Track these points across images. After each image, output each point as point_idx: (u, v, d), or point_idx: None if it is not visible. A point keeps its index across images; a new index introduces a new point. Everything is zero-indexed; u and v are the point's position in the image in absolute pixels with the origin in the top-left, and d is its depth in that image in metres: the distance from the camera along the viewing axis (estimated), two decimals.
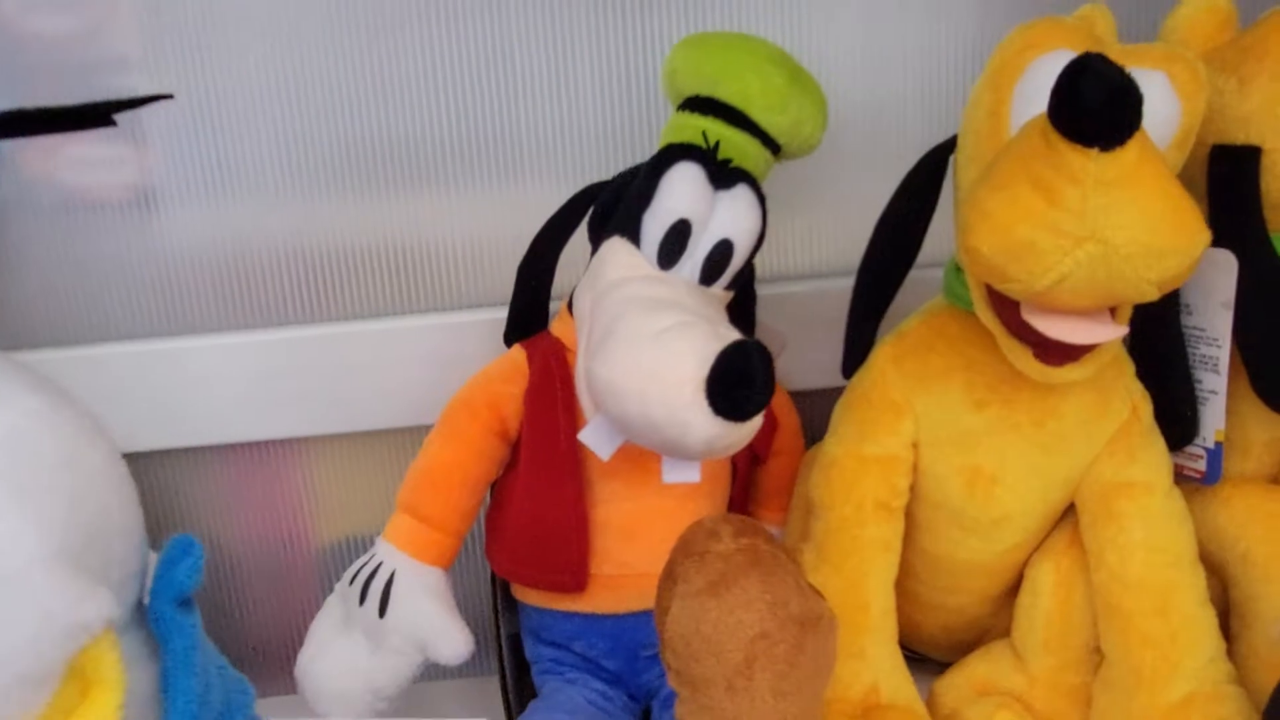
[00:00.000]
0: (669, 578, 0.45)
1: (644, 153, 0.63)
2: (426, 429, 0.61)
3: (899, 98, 0.69)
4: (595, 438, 0.53)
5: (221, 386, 0.68)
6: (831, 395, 0.61)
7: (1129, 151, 0.42)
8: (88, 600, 0.27)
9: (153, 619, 0.31)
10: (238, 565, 0.74)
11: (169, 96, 0.37)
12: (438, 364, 0.67)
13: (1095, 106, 0.42)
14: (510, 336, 0.62)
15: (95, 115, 0.35)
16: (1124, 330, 0.49)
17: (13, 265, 0.67)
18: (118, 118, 0.36)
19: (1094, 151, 0.42)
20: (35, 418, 0.28)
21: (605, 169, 0.67)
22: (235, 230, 0.68)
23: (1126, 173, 0.43)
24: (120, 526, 0.30)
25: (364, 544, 0.73)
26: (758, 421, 0.48)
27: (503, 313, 0.63)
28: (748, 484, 0.64)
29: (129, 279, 0.68)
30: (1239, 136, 0.54)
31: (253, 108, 0.66)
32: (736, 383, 0.46)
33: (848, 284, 0.61)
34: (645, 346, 0.48)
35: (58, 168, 0.66)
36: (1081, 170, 0.43)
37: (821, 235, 0.69)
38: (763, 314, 0.65)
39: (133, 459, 0.36)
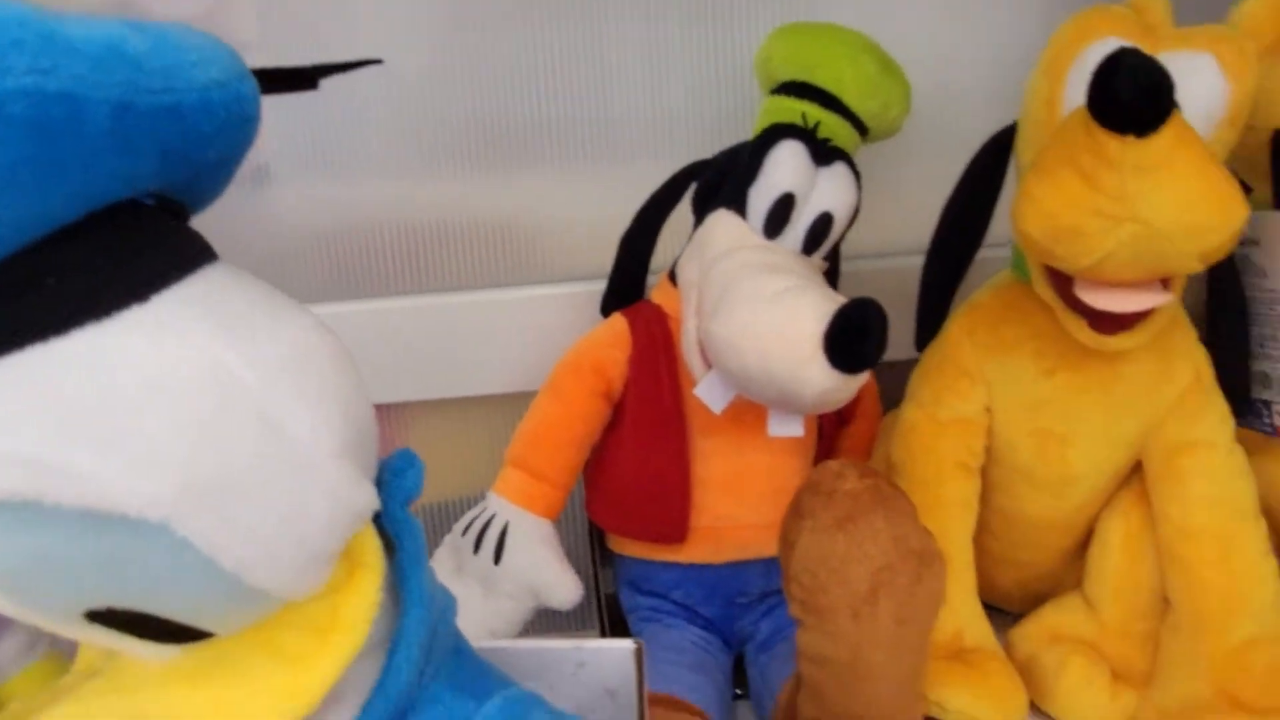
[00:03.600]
0: (796, 514, 0.47)
1: (729, 135, 0.66)
2: (524, 395, 0.63)
3: (967, 87, 0.73)
4: (710, 393, 0.56)
5: None
6: (901, 367, 0.64)
7: (1163, 137, 0.46)
8: (364, 489, 0.31)
9: (387, 519, 0.34)
10: None
11: (379, 61, 0.40)
12: (535, 334, 0.71)
13: (1128, 98, 0.45)
14: (608, 306, 0.65)
15: (302, 79, 0.38)
16: (1169, 298, 0.51)
17: None
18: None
19: (1130, 138, 0.46)
20: (313, 331, 0.31)
21: (692, 150, 0.70)
22: (345, 205, 0.71)
23: (1162, 156, 0.46)
24: (373, 430, 0.33)
25: (463, 506, 0.76)
26: (866, 375, 0.51)
27: (597, 286, 0.67)
28: (831, 445, 0.68)
29: (241, 251, 0.70)
30: None
31: (362, 90, 0.70)
32: (855, 336, 0.49)
33: (915, 262, 0.64)
34: (765, 306, 0.51)
35: None
36: (1119, 156, 0.46)
37: (889, 216, 0.72)
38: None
39: None
